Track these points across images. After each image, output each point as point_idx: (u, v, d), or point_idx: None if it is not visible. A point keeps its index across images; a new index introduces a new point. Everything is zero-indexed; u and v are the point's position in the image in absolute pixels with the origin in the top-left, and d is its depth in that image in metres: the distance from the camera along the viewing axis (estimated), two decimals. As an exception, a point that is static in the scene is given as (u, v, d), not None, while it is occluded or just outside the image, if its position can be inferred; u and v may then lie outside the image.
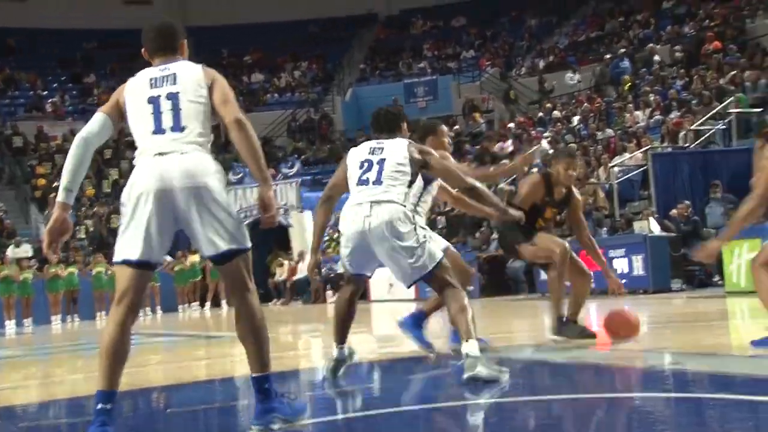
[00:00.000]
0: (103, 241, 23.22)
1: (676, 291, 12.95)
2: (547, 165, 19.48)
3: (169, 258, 20.41)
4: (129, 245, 3.67)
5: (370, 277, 5.38)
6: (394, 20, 35.85)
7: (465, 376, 4.64)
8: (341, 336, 5.37)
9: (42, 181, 26.86)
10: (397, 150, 5.11)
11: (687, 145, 17.44)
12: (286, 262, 22.49)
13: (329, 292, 20.45)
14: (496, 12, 32.75)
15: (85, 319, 20.52)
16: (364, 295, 15.85)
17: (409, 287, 5.27)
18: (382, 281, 17.02)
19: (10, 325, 19.67)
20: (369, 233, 4.94)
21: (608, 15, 28.82)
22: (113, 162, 27.35)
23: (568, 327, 6.46)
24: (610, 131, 20.58)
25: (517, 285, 16.44)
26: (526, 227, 6.27)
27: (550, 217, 6.52)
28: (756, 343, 5.26)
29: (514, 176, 16.83)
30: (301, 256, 21.78)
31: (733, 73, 19.71)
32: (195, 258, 21.11)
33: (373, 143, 5.23)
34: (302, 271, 21.62)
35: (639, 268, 13.33)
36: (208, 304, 21.99)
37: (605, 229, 15.29)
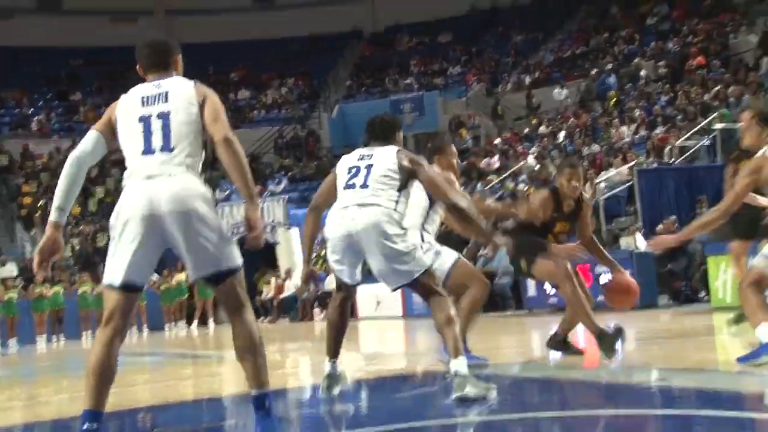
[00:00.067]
0: (89, 260, 23.10)
1: (663, 307, 12.98)
2: (534, 181, 19.61)
3: (155, 276, 20.32)
4: (116, 269, 3.68)
5: (359, 283, 5.25)
6: (380, 37, 35.99)
7: (454, 396, 4.62)
8: (334, 349, 5.30)
9: (28, 200, 26.74)
10: (385, 157, 5.09)
11: (672, 160, 17.54)
12: (273, 279, 22.42)
13: (316, 310, 20.40)
14: (482, 28, 32.93)
15: (71, 339, 20.38)
16: (352, 312, 15.76)
17: (393, 291, 5.21)
18: (370, 298, 17.01)
19: (-5, 346, 19.52)
20: (355, 235, 4.90)
21: (593, 31, 29.02)
22: (99, 180, 27.25)
23: (555, 343, 6.47)
24: (596, 147, 20.68)
25: (504, 301, 16.44)
26: (536, 243, 6.21)
27: (560, 230, 6.42)
28: (741, 359, 5.28)
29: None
30: (289, 273, 21.72)
31: (717, 88, 19.87)
32: (181, 276, 21.01)
33: (363, 150, 5.22)
34: (289, 288, 21.56)
35: (626, 284, 13.34)
36: (195, 322, 21.88)
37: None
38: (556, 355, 6.57)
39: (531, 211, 6.29)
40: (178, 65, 4.00)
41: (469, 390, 4.58)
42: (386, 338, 13.26)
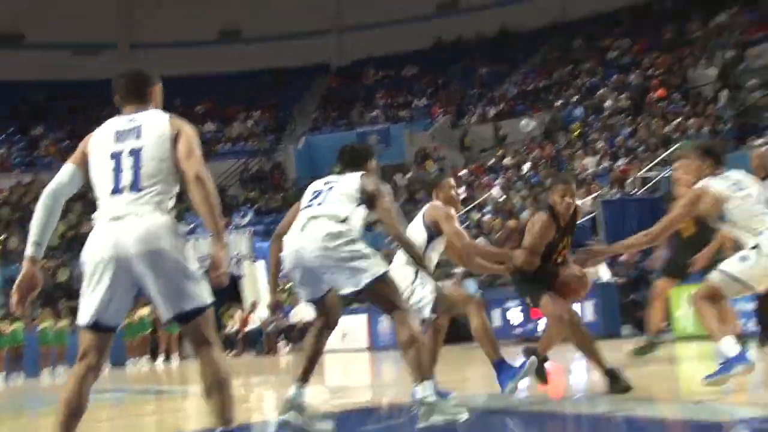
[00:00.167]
0: (51, 296, 22.74)
1: (626, 336, 13.05)
2: (499, 212, 19.69)
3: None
4: (86, 310, 3.70)
5: (325, 295, 5.09)
6: (346, 70, 36.18)
7: (419, 426, 4.54)
8: (303, 373, 5.18)
9: (-11, 235, 26.33)
10: (349, 181, 5.07)
11: (635, 191, 17.76)
12: (237, 313, 22.24)
13: (281, 343, 20.26)
14: (447, 61, 33.25)
15: (30, 376, 19.97)
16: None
17: (347, 297, 5.07)
18: (335, 330, 16.91)
19: (-47, 383, 19.09)
20: (303, 250, 4.84)
21: (557, 63, 29.41)
22: (61, 215, 26.86)
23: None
24: (560, 178, 20.84)
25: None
26: (540, 277, 6.07)
27: (564, 247, 6.22)
28: (710, 377, 5.29)
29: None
30: (254, 306, 21.56)
31: (677, 120, 20.20)
32: (144, 311, 20.74)
33: (331, 177, 5.22)
34: (255, 321, 21.40)
35: (589, 314, 13.45)
36: (161, 357, 21.56)
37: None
38: (522, 386, 6.52)
39: (533, 244, 6.06)
40: (155, 96, 3.98)
41: (436, 418, 4.51)
42: (352, 370, 13.18)
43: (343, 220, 4.87)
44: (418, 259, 5.28)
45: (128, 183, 3.69)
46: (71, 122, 30.15)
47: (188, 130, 3.79)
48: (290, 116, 33.61)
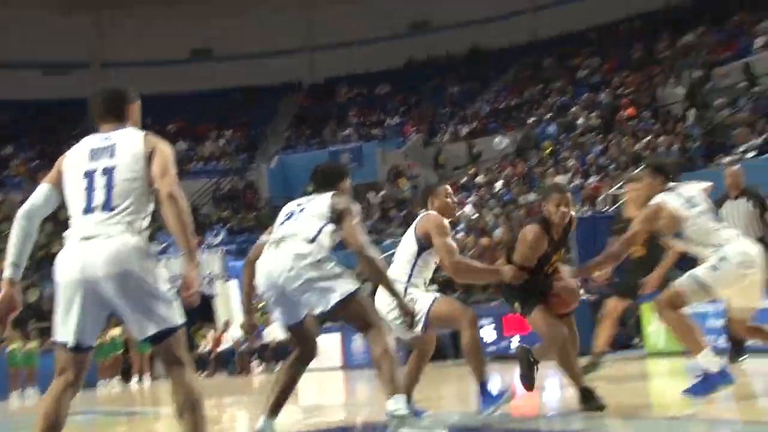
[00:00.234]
0: (20, 317, 22.40)
1: (599, 353, 13.08)
2: (471, 230, 19.72)
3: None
4: (66, 331, 3.70)
5: (303, 321, 5.04)
6: (319, 88, 36.21)
7: (389, 441, 4.55)
8: (273, 407, 5.13)
9: (-43, 255, 25.99)
10: (321, 201, 5.08)
11: (606, 208, 17.89)
12: (211, 332, 22.08)
13: (254, 363, 20.14)
14: (419, 79, 33.41)
15: (-1, 399, 19.67)
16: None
17: (320, 320, 5.07)
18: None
19: None
20: (274, 271, 4.83)
21: (528, 82, 29.63)
22: (32, 234, 26.64)
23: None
24: (532, 196, 20.97)
25: (443, 350, 16.42)
26: (531, 290, 5.91)
27: (556, 259, 6.07)
28: (687, 391, 5.31)
29: None
30: (227, 325, 21.43)
31: (647, 138, 20.40)
32: (116, 332, 20.51)
33: (302, 198, 5.22)
34: (227, 340, 21.26)
35: (563, 331, 13.47)
36: (135, 378, 21.29)
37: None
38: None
39: (525, 257, 5.86)
40: (132, 114, 3.96)
41: (405, 432, 4.48)
42: (325, 389, 13.12)
43: (312, 240, 4.86)
44: (379, 276, 5.14)
45: (100, 202, 3.67)
46: (41, 142, 29.85)
47: (163, 148, 3.77)
48: (262, 135, 33.55)
